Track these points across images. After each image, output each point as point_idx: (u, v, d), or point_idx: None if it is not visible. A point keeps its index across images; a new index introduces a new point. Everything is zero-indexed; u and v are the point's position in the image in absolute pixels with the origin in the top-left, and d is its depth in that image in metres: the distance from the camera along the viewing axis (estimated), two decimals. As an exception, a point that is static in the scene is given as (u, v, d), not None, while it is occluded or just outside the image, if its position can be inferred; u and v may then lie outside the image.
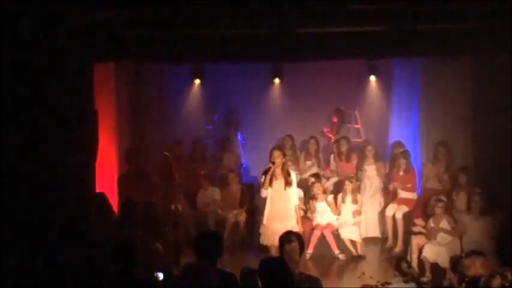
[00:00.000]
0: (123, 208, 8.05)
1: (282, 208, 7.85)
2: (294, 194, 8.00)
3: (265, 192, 7.90)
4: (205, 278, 4.43)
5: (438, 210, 8.34)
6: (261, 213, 8.27)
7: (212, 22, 7.95)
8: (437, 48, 8.59)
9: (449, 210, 8.48)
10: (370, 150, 10.34)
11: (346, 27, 8.23)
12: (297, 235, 5.95)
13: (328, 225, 9.29)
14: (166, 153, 10.15)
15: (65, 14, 7.22)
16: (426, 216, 8.69)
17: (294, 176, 8.02)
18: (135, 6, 7.40)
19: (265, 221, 7.88)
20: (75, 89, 7.93)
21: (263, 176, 7.96)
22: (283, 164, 7.91)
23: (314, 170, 10.61)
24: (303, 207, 9.44)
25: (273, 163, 7.82)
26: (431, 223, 8.35)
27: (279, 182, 7.87)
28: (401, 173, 9.78)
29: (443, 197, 8.85)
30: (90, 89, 8.42)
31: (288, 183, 7.85)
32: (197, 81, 11.77)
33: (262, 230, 7.97)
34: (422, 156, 10.40)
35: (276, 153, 7.88)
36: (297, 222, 7.84)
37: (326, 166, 10.89)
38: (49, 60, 7.41)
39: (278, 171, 7.87)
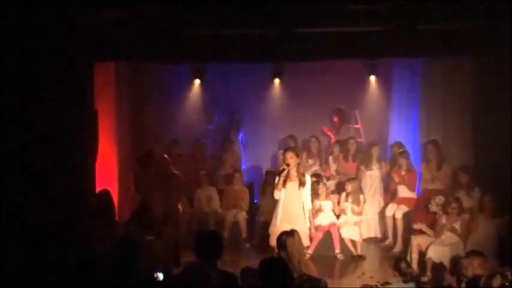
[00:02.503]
0: (138, 209, 8.05)
1: (294, 210, 7.82)
2: (308, 196, 7.95)
3: (278, 194, 7.86)
4: (205, 278, 4.43)
5: (451, 209, 8.30)
6: (265, 213, 8.23)
7: (212, 22, 7.96)
8: (437, 48, 8.60)
9: (461, 210, 8.41)
10: (376, 150, 10.35)
11: (346, 27, 8.23)
12: (295, 230, 5.97)
13: (332, 224, 9.27)
14: (165, 155, 10.15)
15: (65, 14, 7.22)
16: (428, 215, 8.68)
17: (308, 179, 7.99)
18: (135, 6, 7.41)
19: (277, 222, 7.83)
20: (75, 89, 7.94)
21: (276, 177, 7.93)
22: (298, 165, 7.89)
23: (316, 168, 10.62)
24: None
25: (288, 165, 7.79)
26: (443, 221, 8.30)
27: (292, 184, 7.83)
28: (403, 173, 9.78)
29: (447, 197, 8.79)
30: (90, 89, 8.42)
31: (302, 184, 7.81)
32: (197, 81, 11.77)
33: (272, 230, 7.92)
34: (422, 156, 10.40)
35: (289, 154, 7.85)
36: (310, 226, 7.83)
37: (326, 167, 10.89)
38: (49, 60, 7.42)
39: (293, 172, 7.83)
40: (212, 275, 4.57)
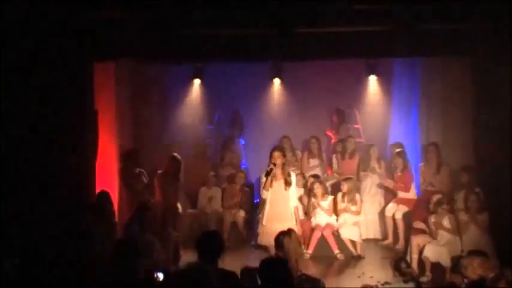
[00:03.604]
0: (138, 209, 8.04)
1: (281, 209, 7.85)
2: (294, 195, 8.01)
3: (266, 194, 7.91)
4: (206, 278, 4.43)
5: (441, 209, 8.33)
6: (260, 213, 8.29)
7: (212, 22, 7.95)
8: (437, 48, 8.60)
9: (451, 209, 8.46)
10: (374, 151, 10.35)
11: (346, 27, 8.22)
12: (292, 230, 5.98)
13: (328, 225, 9.28)
14: (175, 154, 10.15)
15: (65, 14, 7.22)
16: (428, 215, 8.68)
17: (293, 177, 8.03)
18: (135, 6, 7.40)
19: (264, 221, 7.89)
20: (75, 89, 7.94)
21: (264, 177, 7.95)
22: (283, 165, 7.92)
23: (318, 169, 10.62)
24: (305, 207, 9.45)
25: (274, 164, 7.82)
26: (432, 221, 8.33)
27: (279, 183, 7.88)
28: (398, 173, 9.81)
29: (443, 197, 8.81)
30: (90, 89, 8.42)
31: (288, 184, 7.86)
32: (197, 81, 11.78)
33: (260, 229, 7.99)
34: (422, 157, 10.40)
35: (276, 154, 7.89)
36: (296, 223, 7.84)
37: (328, 167, 10.89)
38: (49, 60, 7.42)
39: (278, 171, 7.88)
40: (213, 274, 4.57)
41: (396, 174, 9.84)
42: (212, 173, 10.69)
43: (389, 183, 9.86)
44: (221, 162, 11.20)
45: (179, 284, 5.22)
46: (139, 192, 9.44)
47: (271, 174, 7.84)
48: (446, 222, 8.27)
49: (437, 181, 9.64)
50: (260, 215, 8.20)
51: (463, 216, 8.37)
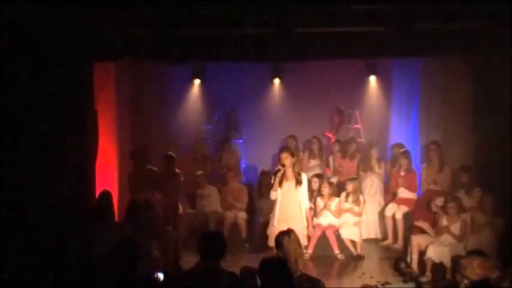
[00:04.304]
0: (129, 208, 8.00)
1: (291, 210, 7.78)
2: (305, 196, 7.91)
3: (275, 194, 7.83)
4: (207, 278, 4.44)
5: (449, 209, 8.29)
6: (264, 214, 8.24)
7: (212, 22, 7.96)
8: (437, 48, 8.60)
9: (460, 209, 8.39)
10: (375, 151, 10.36)
11: (346, 27, 8.23)
12: (292, 230, 5.97)
13: (330, 225, 9.28)
14: (170, 153, 10.14)
15: (65, 14, 7.22)
16: (432, 215, 8.66)
17: (304, 178, 7.94)
18: (135, 6, 7.41)
19: (275, 222, 7.80)
20: (75, 89, 7.94)
21: (272, 178, 7.91)
22: (294, 165, 7.86)
23: (318, 169, 10.62)
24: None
25: (283, 165, 7.76)
26: (444, 222, 8.27)
27: (289, 183, 7.79)
28: (402, 173, 9.80)
29: (449, 197, 8.76)
30: (90, 89, 8.43)
31: (298, 183, 7.76)
32: (197, 81, 11.80)
33: (270, 231, 7.90)
34: (422, 157, 10.41)
35: (285, 155, 7.80)
36: (307, 225, 7.80)
37: (326, 167, 10.90)
38: (49, 60, 7.42)
39: (289, 172, 7.79)
40: (215, 275, 4.58)
41: (399, 174, 9.83)
42: (199, 172, 10.65)
43: (394, 185, 9.85)
44: (219, 162, 11.20)
45: (180, 284, 5.23)
46: (146, 189, 9.42)
47: (280, 174, 7.79)
48: (457, 225, 8.19)
49: (440, 179, 9.62)
50: (262, 216, 8.14)
51: (477, 217, 8.29)
